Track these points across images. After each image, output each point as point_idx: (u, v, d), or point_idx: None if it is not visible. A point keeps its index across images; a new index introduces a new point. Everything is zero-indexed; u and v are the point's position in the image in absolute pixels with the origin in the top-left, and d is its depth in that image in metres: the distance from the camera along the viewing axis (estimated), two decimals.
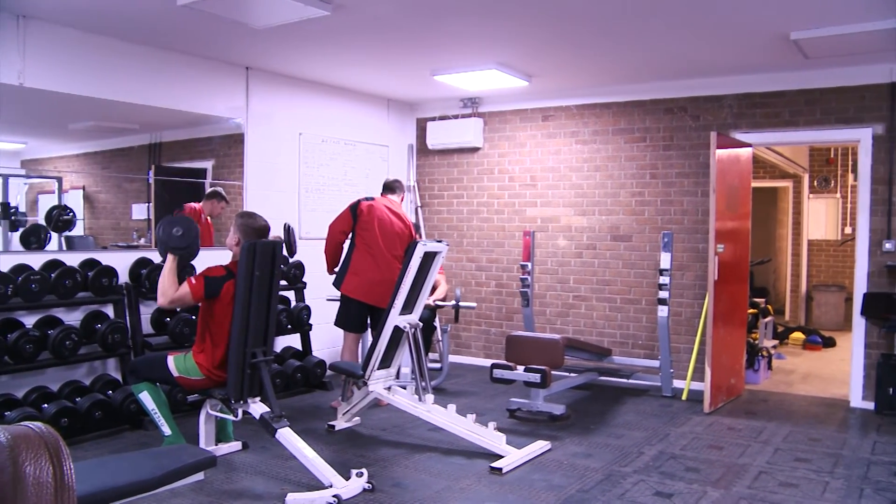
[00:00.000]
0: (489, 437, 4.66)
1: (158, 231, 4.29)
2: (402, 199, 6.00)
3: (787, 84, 6.32)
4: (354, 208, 5.63)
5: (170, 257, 4.21)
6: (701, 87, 6.66)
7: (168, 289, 4.13)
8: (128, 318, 5.28)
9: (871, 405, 6.01)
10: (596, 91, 7.12)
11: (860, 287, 6.13)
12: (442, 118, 8.01)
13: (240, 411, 4.22)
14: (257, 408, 4.18)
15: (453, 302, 6.41)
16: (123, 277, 5.34)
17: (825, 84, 6.18)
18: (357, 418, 5.34)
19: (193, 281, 4.12)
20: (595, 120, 7.22)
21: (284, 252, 4.50)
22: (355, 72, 6.63)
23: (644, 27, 5.12)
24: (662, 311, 6.23)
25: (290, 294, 6.48)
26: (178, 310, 5.27)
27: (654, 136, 6.92)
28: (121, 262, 5.35)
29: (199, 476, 3.82)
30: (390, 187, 5.93)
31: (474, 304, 6.93)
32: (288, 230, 4.58)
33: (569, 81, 6.88)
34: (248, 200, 6.34)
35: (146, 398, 4.28)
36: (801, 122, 6.32)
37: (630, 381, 6.72)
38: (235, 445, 4.66)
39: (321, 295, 6.52)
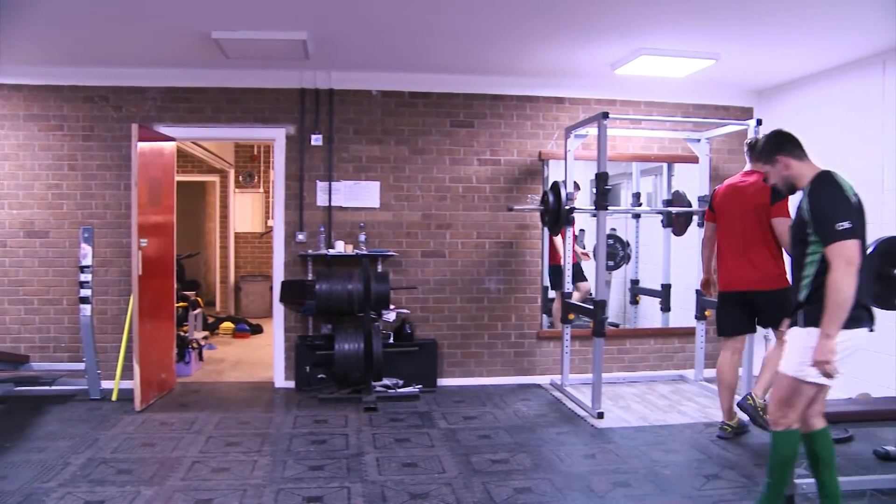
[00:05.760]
0: None
1: None
2: None
3: (211, 81, 6.52)
4: None
5: None
6: (124, 77, 6.45)
7: None
8: None
9: (292, 384, 6.64)
10: (4, 70, 6.31)
11: (279, 276, 6.69)
12: None
13: None
14: None
15: None
16: None
17: (246, 84, 6.56)
18: None
19: None
20: (3, 103, 6.43)
21: None
22: None
23: (58, 6, 4.73)
24: (85, 310, 6.03)
25: None
26: None
27: (73, 126, 6.47)
28: None
29: None
30: None
31: None
32: None
33: None
34: None
35: None
36: (224, 119, 6.59)
37: (53, 387, 6.27)
38: None
39: None
